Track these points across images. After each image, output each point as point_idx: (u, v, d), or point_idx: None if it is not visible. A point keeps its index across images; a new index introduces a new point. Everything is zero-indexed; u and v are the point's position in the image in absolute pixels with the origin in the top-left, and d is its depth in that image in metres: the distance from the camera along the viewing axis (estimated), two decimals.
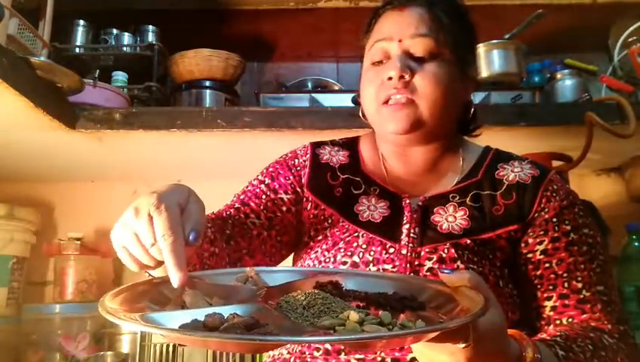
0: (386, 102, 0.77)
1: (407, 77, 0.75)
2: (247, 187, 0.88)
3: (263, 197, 0.85)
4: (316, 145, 0.91)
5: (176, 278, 0.49)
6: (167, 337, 0.59)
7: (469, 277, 0.52)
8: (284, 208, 0.85)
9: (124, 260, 0.55)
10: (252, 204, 0.84)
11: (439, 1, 0.80)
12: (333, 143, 0.92)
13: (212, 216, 0.81)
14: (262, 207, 0.84)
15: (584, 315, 0.72)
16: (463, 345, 0.49)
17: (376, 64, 0.80)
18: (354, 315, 0.48)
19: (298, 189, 0.86)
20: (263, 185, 0.87)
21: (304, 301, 0.53)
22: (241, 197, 0.86)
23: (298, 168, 0.88)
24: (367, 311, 0.52)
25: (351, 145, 0.92)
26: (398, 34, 0.78)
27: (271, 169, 0.89)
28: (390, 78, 0.76)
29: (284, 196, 0.85)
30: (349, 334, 0.45)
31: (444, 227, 0.77)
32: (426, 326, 0.47)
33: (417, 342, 0.47)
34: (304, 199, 0.86)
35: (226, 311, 0.48)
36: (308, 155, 0.89)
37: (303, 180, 0.86)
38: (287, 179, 0.87)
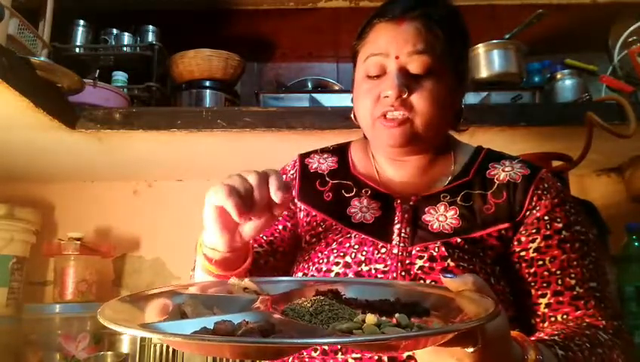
0: (382, 116, 0.77)
1: (404, 95, 0.75)
2: None
3: None
4: (305, 156, 0.93)
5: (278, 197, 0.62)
6: (175, 344, 0.59)
7: (472, 280, 0.52)
8: (280, 226, 0.88)
9: (228, 201, 0.60)
10: None
11: (435, 13, 0.78)
12: (322, 151, 0.94)
13: None
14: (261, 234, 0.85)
15: (578, 311, 0.73)
16: (472, 349, 0.48)
17: (372, 78, 0.79)
18: (371, 318, 0.47)
19: (290, 205, 0.88)
20: None
21: (311, 308, 0.51)
22: None
23: None
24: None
25: (340, 151, 0.93)
26: (394, 50, 0.77)
27: None
28: (387, 96, 0.76)
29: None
30: (376, 335, 0.44)
31: (434, 226, 0.77)
32: (444, 326, 0.45)
33: (438, 343, 0.46)
34: (298, 210, 0.88)
35: (234, 318, 0.47)
36: (296, 168, 0.91)
37: (294, 193, 0.88)
38: None
